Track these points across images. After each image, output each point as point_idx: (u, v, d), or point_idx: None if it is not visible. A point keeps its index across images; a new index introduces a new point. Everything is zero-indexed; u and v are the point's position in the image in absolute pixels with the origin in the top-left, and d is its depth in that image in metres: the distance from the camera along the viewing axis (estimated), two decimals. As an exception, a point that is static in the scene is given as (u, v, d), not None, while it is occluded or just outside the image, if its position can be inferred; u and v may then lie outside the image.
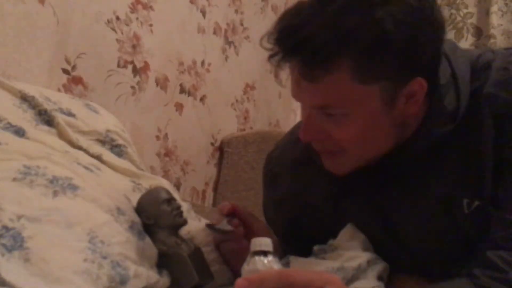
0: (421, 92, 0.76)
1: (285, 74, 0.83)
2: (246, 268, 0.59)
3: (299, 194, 0.93)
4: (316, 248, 0.89)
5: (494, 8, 2.02)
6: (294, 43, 0.71)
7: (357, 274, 0.81)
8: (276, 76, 2.15)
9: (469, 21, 2.11)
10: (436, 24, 0.75)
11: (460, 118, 0.78)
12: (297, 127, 0.98)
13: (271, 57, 0.75)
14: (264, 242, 0.59)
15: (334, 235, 0.90)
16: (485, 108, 0.77)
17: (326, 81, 0.72)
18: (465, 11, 2.12)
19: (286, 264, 0.81)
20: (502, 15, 2.05)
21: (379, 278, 0.82)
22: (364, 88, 0.73)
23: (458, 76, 0.79)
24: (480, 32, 2.10)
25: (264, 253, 0.59)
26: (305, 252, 0.91)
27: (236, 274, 0.80)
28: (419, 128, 0.79)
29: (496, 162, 0.76)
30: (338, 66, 0.71)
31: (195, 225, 0.95)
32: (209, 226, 0.91)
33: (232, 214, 0.90)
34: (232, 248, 0.91)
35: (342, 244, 0.86)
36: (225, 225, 0.89)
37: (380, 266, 0.83)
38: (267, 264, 0.58)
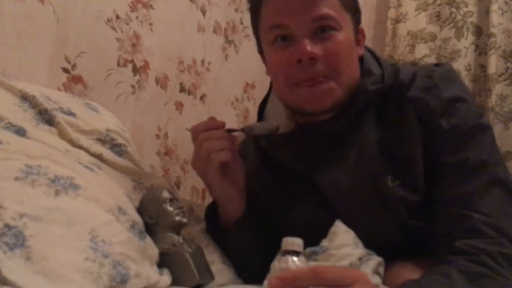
0: (363, 41, 0.96)
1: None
2: (277, 266, 0.60)
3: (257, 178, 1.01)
4: (307, 250, 0.89)
5: (494, 6, 2.02)
6: None
7: None
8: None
9: (469, 19, 2.11)
10: None
11: (387, 84, 0.92)
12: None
13: None
14: (296, 242, 0.60)
15: (287, 214, 0.98)
16: (411, 110, 0.89)
17: None
18: (465, 9, 2.12)
19: None
20: (502, 14, 2.05)
21: (375, 273, 0.82)
22: (345, 13, 0.90)
23: (378, 57, 0.97)
24: (480, 30, 2.10)
25: (296, 253, 0.60)
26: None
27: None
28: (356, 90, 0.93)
29: (425, 158, 0.88)
30: None
31: (196, 225, 0.95)
32: (249, 128, 0.95)
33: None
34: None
35: (333, 244, 0.86)
36: (265, 124, 0.97)
37: (373, 262, 0.83)
38: (299, 264, 0.59)
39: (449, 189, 0.85)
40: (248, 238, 0.94)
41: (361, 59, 0.95)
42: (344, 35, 0.89)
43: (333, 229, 0.88)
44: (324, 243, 0.87)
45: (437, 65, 0.97)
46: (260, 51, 1.00)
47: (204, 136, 0.93)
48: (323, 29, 0.87)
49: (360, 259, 0.83)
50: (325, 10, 0.87)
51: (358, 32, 0.94)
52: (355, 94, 0.92)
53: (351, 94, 0.92)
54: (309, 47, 0.86)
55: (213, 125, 0.95)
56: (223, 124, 0.95)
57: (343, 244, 0.86)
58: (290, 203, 0.97)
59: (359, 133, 0.93)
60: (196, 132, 0.95)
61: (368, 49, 0.99)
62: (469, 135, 0.87)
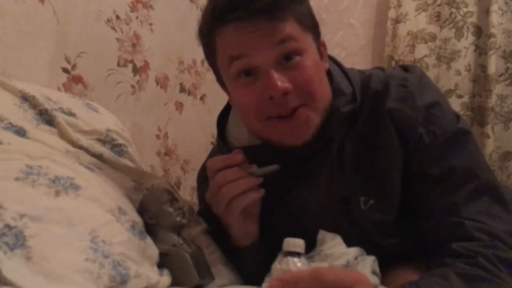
0: (326, 53, 0.91)
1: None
2: (278, 267, 0.60)
3: None
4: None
5: (494, 7, 2.02)
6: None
7: None
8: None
9: (469, 20, 2.11)
10: None
11: (358, 103, 0.89)
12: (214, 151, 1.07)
13: (236, 19, 0.81)
14: (298, 243, 0.60)
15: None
16: (388, 122, 0.87)
17: (288, 19, 0.81)
18: (465, 10, 2.12)
19: None
20: (502, 14, 2.05)
21: (373, 273, 0.83)
22: (305, 34, 0.85)
23: (347, 71, 0.93)
24: (480, 31, 2.10)
25: (297, 254, 0.60)
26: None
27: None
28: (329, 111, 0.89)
29: (405, 172, 0.87)
30: (289, 13, 0.82)
31: (196, 226, 0.95)
32: (251, 173, 0.85)
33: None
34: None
35: (325, 246, 0.87)
36: (265, 168, 0.85)
37: (369, 261, 0.84)
38: (300, 266, 0.59)
39: (439, 199, 0.84)
40: (262, 257, 0.93)
41: (329, 74, 0.90)
42: (309, 58, 0.84)
43: (319, 236, 0.89)
44: (317, 247, 0.88)
45: (405, 68, 0.93)
46: (219, 81, 0.95)
47: (221, 179, 0.85)
48: (287, 56, 0.82)
49: (356, 257, 0.84)
50: (286, 31, 0.81)
51: (320, 46, 0.89)
52: (329, 116, 0.88)
53: (325, 116, 0.88)
54: (280, 82, 0.80)
55: (230, 162, 0.86)
56: (242, 160, 0.86)
57: (335, 244, 0.87)
58: (266, 220, 0.95)
59: (331, 150, 0.90)
60: (213, 170, 0.87)
61: (335, 61, 0.95)
62: (451, 143, 0.86)
